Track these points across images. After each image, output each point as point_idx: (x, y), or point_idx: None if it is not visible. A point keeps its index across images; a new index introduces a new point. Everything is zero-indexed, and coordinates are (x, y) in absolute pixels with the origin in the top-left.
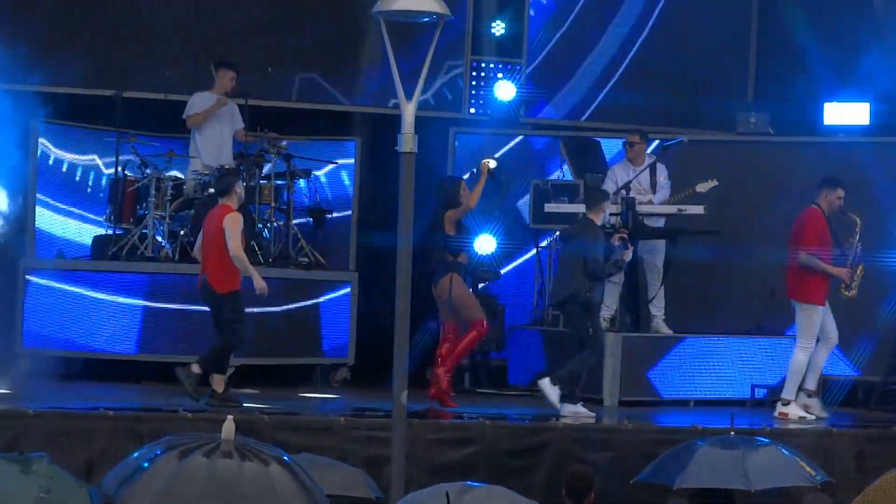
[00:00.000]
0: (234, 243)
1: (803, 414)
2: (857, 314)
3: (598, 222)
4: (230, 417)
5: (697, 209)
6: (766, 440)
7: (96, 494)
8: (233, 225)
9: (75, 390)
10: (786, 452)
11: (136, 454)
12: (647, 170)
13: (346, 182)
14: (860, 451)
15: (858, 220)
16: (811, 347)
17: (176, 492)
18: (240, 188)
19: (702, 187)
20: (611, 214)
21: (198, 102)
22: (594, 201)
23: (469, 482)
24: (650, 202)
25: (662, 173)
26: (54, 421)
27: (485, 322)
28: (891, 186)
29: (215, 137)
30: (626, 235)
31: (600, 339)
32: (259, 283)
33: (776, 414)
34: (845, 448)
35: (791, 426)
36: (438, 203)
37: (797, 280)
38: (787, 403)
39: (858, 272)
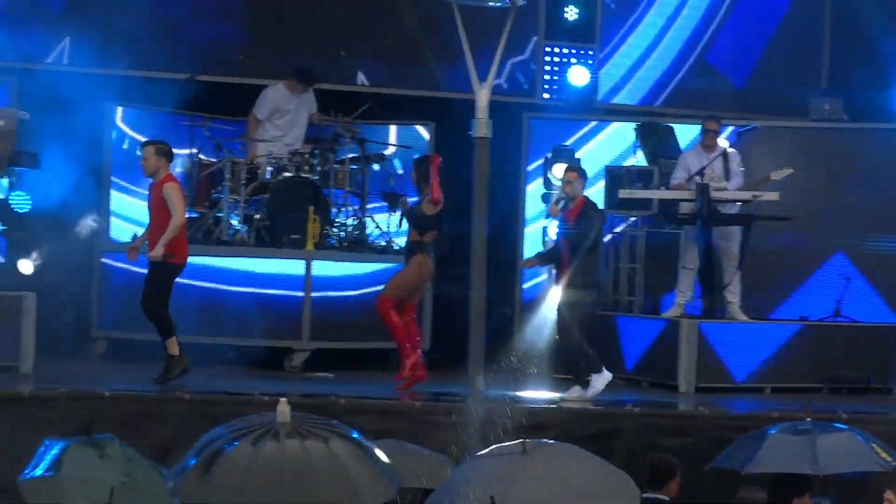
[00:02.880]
0: None
1: None
2: None
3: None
4: (283, 400)
5: (772, 196)
6: (843, 426)
7: (164, 473)
8: None
9: (149, 373)
10: (861, 438)
11: (201, 440)
12: (720, 157)
13: None
14: None
15: None
16: None
17: (251, 483)
18: None
19: (776, 175)
20: (685, 201)
21: (270, 96)
22: None
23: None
24: (723, 189)
25: (735, 160)
26: (128, 403)
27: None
28: None
29: (289, 121)
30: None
31: None
32: None
33: None
34: None
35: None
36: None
37: None
38: None
39: None
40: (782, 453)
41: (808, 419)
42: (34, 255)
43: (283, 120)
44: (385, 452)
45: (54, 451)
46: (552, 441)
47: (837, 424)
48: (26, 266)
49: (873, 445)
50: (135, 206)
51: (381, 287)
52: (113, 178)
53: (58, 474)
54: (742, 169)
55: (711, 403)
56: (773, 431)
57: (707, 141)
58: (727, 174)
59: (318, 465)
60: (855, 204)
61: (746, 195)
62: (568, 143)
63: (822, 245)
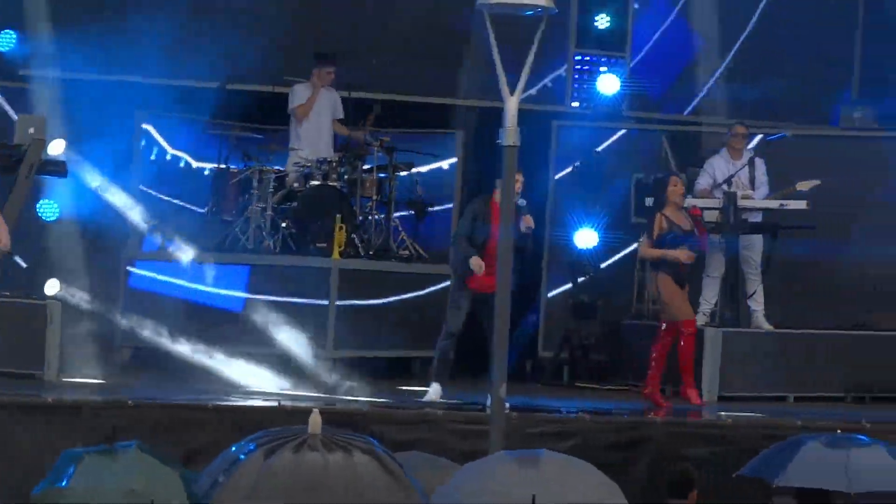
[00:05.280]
0: None
1: None
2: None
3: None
4: (316, 411)
5: (800, 204)
6: (871, 439)
7: (192, 479)
8: None
9: (175, 382)
10: (889, 452)
11: (230, 450)
12: (747, 165)
13: (448, 175)
14: None
15: None
16: None
17: (262, 491)
18: None
19: (803, 185)
20: (711, 209)
21: (299, 94)
22: None
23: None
24: (750, 197)
25: (761, 169)
26: (153, 412)
27: (690, 322)
28: None
29: (316, 129)
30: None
31: (446, 321)
32: None
33: None
34: None
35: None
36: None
37: None
38: None
39: None
40: (815, 467)
41: (839, 430)
42: (59, 281)
43: (309, 119)
44: (409, 465)
45: (71, 462)
46: (567, 461)
47: (863, 437)
48: (52, 287)
49: None
50: (162, 215)
51: (406, 296)
52: (141, 187)
53: (67, 485)
54: (767, 178)
55: (735, 412)
56: (808, 442)
57: (735, 145)
58: (753, 182)
59: (333, 478)
60: (883, 213)
61: (774, 204)
62: (597, 151)
63: (851, 254)
